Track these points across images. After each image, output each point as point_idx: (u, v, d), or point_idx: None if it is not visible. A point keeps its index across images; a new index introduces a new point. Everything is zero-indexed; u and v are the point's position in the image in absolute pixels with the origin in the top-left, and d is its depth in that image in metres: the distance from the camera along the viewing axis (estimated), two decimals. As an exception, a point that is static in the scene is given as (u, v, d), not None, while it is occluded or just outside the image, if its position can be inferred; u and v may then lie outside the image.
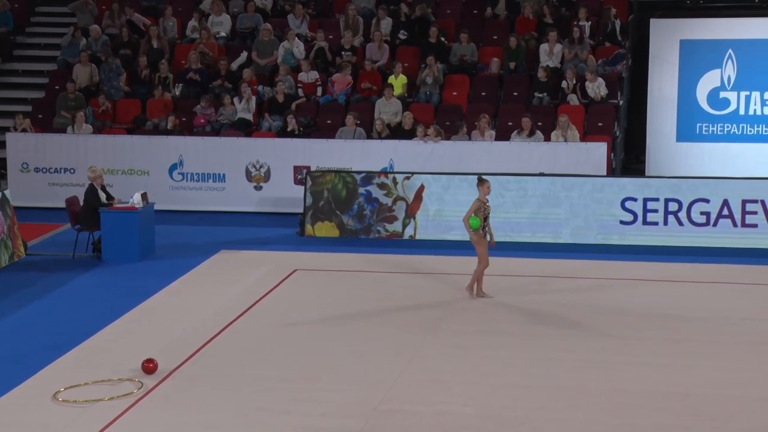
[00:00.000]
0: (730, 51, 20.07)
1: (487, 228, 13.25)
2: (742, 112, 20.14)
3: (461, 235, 14.95)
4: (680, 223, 16.54)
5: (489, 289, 13.61)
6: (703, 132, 20.29)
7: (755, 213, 16.34)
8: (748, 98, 20.10)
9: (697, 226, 16.47)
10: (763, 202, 16.31)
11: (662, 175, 18.89)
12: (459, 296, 13.64)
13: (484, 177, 13.48)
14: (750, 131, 20.09)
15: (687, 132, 20.32)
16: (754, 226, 16.33)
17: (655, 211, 16.60)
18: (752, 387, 10.30)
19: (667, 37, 20.41)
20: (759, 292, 13.89)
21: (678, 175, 18.25)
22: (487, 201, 13.35)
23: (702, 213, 16.49)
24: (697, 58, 20.25)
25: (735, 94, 20.15)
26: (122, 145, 19.53)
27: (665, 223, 16.61)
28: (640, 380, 10.50)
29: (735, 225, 16.41)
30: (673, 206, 16.58)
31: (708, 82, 20.24)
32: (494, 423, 9.45)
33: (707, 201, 16.47)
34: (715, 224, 16.45)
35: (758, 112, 20.06)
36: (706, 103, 20.24)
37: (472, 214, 13.07)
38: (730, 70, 20.09)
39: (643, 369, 10.84)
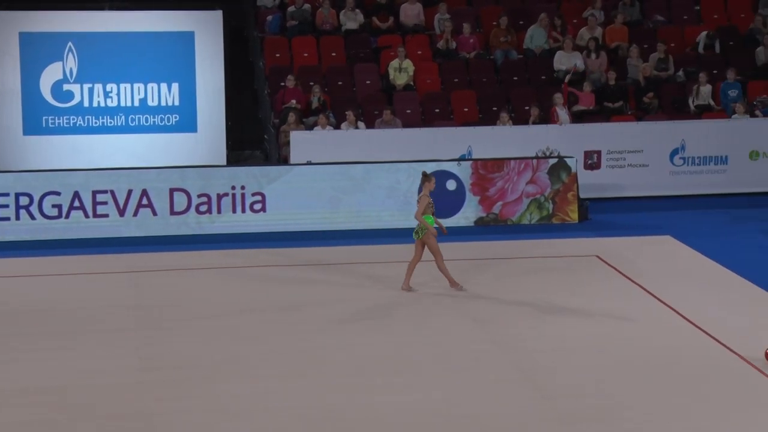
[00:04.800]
0: (70, 44, 20.28)
1: (436, 224, 13.31)
2: (86, 104, 20.46)
3: None
4: (33, 217, 16.52)
5: None
6: (50, 125, 20.33)
7: (106, 203, 16.77)
8: (91, 90, 20.47)
9: (50, 219, 16.55)
10: (113, 192, 16.78)
11: (11, 169, 18.66)
12: None
13: (428, 173, 13.47)
14: (96, 123, 20.49)
15: (33, 125, 20.24)
16: (106, 215, 16.76)
17: (7, 206, 16.43)
18: (113, 374, 10.66)
19: (7, 30, 20.15)
20: (119, 279, 14.32)
21: (28, 169, 18.18)
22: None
23: (54, 206, 16.59)
24: (38, 51, 20.20)
25: (78, 86, 20.42)
26: None
27: (17, 218, 16.49)
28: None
29: (87, 216, 16.72)
30: (24, 200, 16.50)
31: (50, 74, 20.28)
32: None
33: (59, 194, 16.60)
34: (67, 216, 16.64)
35: (102, 104, 20.51)
36: (50, 96, 20.29)
37: (426, 212, 13.16)
38: (71, 63, 20.31)
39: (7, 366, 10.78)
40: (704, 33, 22.07)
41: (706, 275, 14.24)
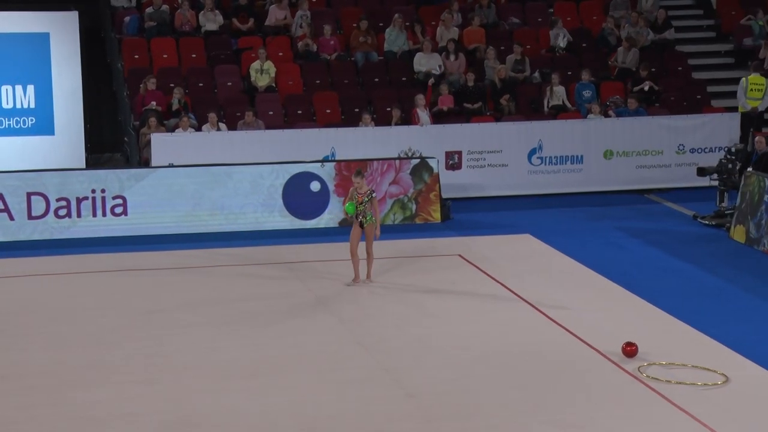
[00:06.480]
0: None
1: (360, 216, 13.68)
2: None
3: None
4: None
5: None
6: None
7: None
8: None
9: None
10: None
11: None
12: None
13: (359, 169, 14.24)
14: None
15: None
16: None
17: None
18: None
19: None
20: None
21: None
22: (366, 190, 13.79)
23: None
24: None
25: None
26: None
27: None
28: None
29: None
30: None
31: None
32: None
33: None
34: None
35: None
36: None
37: (349, 201, 13.80)
38: None
39: None
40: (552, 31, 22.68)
41: (565, 272, 14.59)
